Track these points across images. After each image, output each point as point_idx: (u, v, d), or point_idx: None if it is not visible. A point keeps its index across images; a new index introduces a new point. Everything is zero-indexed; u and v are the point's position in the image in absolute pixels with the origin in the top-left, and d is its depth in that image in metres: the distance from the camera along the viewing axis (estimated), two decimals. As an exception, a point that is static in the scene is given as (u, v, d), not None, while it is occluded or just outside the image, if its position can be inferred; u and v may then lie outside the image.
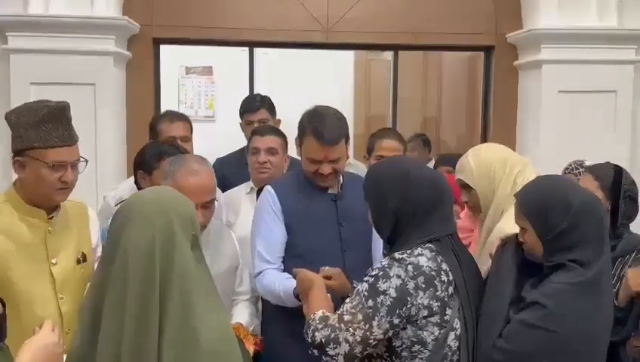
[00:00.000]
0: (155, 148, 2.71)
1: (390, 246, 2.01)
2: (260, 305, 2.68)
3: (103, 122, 4.06)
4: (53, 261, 2.14)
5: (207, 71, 7.34)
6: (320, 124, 2.47)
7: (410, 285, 1.82)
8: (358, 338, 1.81)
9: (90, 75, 4.03)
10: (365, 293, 1.84)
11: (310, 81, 6.46)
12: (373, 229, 2.59)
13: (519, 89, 4.68)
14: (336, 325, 1.83)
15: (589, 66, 4.33)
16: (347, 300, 1.89)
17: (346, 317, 1.83)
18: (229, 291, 2.51)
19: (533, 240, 1.93)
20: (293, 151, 2.78)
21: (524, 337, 1.83)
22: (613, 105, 4.39)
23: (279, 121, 3.73)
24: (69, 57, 3.99)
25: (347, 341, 1.81)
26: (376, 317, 1.81)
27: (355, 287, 1.96)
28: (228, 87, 6.28)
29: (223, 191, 3.09)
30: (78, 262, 2.23)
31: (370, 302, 1.82)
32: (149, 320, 1.42)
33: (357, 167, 4.76)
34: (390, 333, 1.84)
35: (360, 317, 1.81)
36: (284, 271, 2.50)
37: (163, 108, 4.68)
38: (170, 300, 1.44)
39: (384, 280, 1.83)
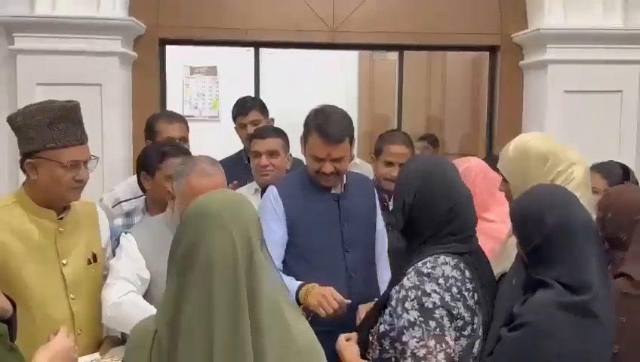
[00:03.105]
0: (157, 149, 2.71)
1: (407, 241, 2.01)
2: None
3: (109, 122, 4.07)
4: (64, 261, 2.14)
5: (212, 71, 7.35)
6: (325, 122, 2.47)
7: (447, 298, 1.80)
8: (443, 361, 1.77)
9: (96, 76, 4.04)
10: (421, 319, 1.79)
11: (315, 81, 6.48)
12: (377, 229, 2.61)
13: (524, 89, 4.68)
14: None
15: (594, 66, 4.33)
16: (406, 338, 1.79)
17: (421, 353, 1.76)
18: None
19: (520, 250, 1.91)
20: (297, 150, 2.78)
21: (503, 353, 1.79)
22: (618, 105, 4.39)
23: (272, 120, 3.74)
24: (76, 58, 4.01)
25: None
26: (446, 332, 1.78)
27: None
28: (232, 87, 6.28)
29: None
30: (89, 262, 2.23)
31: (432, 323, 1.78)
32: (240, 332, 1.34)
33: (362, 166, 4.75)
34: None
35: (432, 342, 1.77)
36: (284, 270, 2.49)
37: (168, 108, 4.70)
38: (260, 309, 1.38)
39: (426, 298, 1.80)
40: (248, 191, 3.13)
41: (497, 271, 2.17)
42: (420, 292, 1.80)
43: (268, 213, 2.53)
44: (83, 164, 2.12)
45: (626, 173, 2.63)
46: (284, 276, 2.46)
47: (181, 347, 1.34)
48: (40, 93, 3.71)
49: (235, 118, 3.72)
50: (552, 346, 1.74)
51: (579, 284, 1.77)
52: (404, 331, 1.79)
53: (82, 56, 4.02)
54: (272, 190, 2.57)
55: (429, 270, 1.84)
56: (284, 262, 2.52)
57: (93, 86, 4.03)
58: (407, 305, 1.81)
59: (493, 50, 4.81)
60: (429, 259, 1.87)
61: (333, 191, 2.56)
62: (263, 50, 4.91)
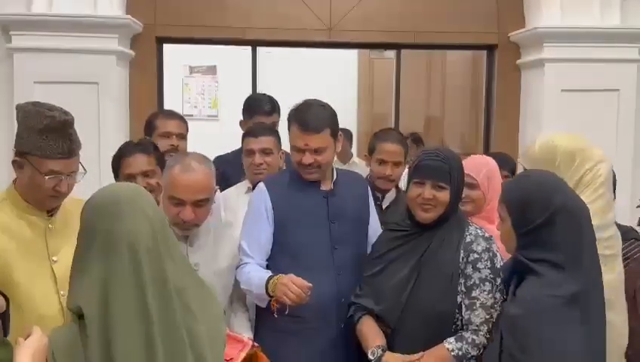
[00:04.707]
0: (120, 150, 2.72)
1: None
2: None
3: (106, 121, 4.09)
4: (54, 258, 2.12)
5: (211, 70, 7.37)
6: (303, 112, 2.46)
7: (500, 256, 2.20)
8: (499, 312, 2.13)
9: (93, 74, 4.06)
10: (491, 276, 2.16)
11: (313, 80, 6.48)
12: (370, 226, 2.60)
13: (522, 87, 4.69)
14: (487, 315, 2.14)
15: (591, 65, 4.34)
16: (476, 293, 2.15)
17: (490, 302, 2.15)
18: (228, 288, 2.50)
19: (507, 231, 1.92)
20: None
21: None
22: (616, 103, 4.40)
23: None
24: (73, 56, 4.03)
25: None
26: (502, 288, 2.14)
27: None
28: (231, 86, 6.28)
29: (224, 187, 3.11)
30: (79, 258, 2.22)
31: (498, 280, 2.16)
32: (173, 316, 1.44)
33: (361, 165, 4.77)
34: None
35: (498, 295, 2.16)
36: (271, 267, 2.47)
37: (166, 107, 4.71)
38: (181, 292, 1.48)
39: (495, 259, 2.18)
40: (240, 189, 3.12)
41: None
42: (491, 254, 2.19)
43: (256, 210, 2.52)
44: (67, 175, 2.08)
45: None
46: (258, 269, 2.44)
47: (117, 327, 1.41)
48: (37, 92, 3.73)
49: (252, 115, 3.52)
50: (539, 343, 1.74)
51: (567, 265, 1.79)
52: (474, 288, 2.16)
53: (79, 55, 4.04)
54: (262, 188, 2.56)
55: (487, 233, 2.23)
56: (271, 259, 2.50)
57: (90, 84, 4.06)
58: (480, 265, 2.17)
59: (490, 48, 4.82)
60: (472, 226, 2.26)
61: (322, 188, 2.54)
62: (260, 50, 4.91)
